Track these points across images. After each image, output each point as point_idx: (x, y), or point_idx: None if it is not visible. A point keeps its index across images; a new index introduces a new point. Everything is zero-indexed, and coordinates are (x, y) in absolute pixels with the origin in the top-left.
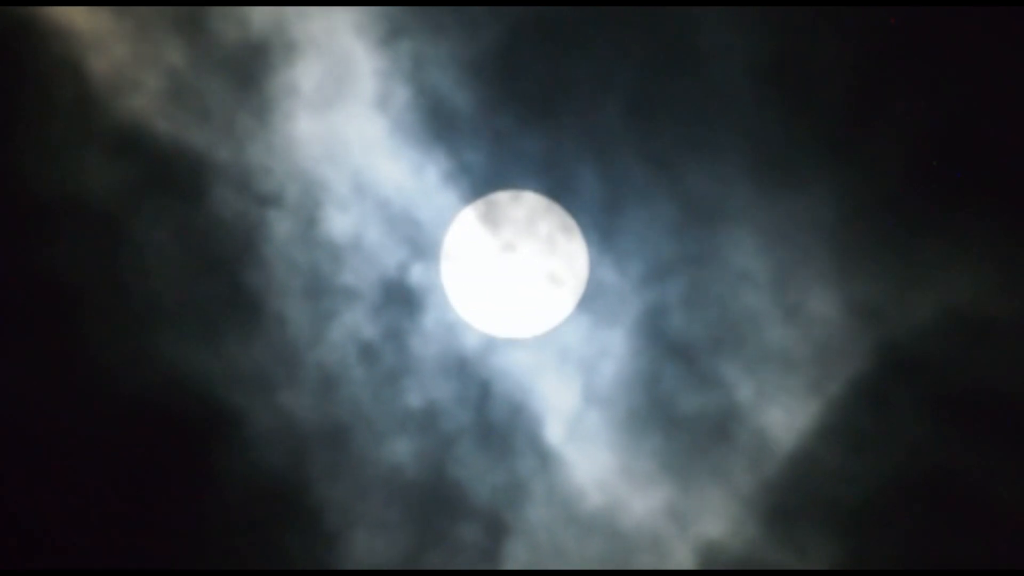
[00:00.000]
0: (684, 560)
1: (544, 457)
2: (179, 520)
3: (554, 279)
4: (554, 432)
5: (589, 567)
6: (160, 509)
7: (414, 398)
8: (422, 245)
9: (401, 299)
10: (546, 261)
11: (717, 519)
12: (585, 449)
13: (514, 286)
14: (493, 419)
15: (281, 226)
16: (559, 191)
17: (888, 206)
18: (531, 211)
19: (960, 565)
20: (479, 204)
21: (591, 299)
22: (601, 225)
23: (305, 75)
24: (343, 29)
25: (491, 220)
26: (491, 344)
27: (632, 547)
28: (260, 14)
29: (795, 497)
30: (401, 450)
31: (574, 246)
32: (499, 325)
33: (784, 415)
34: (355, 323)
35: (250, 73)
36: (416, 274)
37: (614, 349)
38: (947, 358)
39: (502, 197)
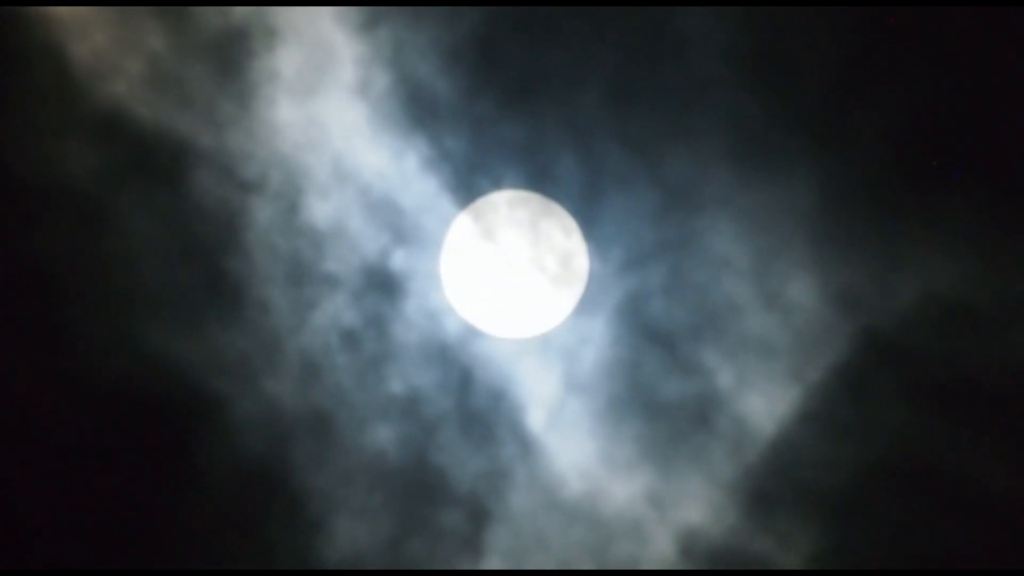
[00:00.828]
0: (664, 546)
1: (525, 444)
2: (162, 506)
3: (555, 280)
4: (535, 419)
5: (570, 554)
6: (143, 495)
7: (396, 385)
8: (404, 231)
9: (383, 285)
10: (545, 261)
11: (697, 506)
12: (566, 436)
13: (515, 287)
14: (474, 406)
15: (263, 212)
16: (539, 177)
17: (868, 193)
18: (531, 212)
19: (941, 551)
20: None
21: (571, 287)
22: (581, 212)
23: (286, 61)
24: (323, 16)
25: (491, 221)
26: (473, 332)
27: (612, 533)
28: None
29: (775, 484)
30: (383, 437)
31: (574, 245)
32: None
33: (764, 402)
34: (337, 310)
35: (231, 59)
36: (398, 260)
37: (594, 336)
38: (927, 345)
39: (502, 197)
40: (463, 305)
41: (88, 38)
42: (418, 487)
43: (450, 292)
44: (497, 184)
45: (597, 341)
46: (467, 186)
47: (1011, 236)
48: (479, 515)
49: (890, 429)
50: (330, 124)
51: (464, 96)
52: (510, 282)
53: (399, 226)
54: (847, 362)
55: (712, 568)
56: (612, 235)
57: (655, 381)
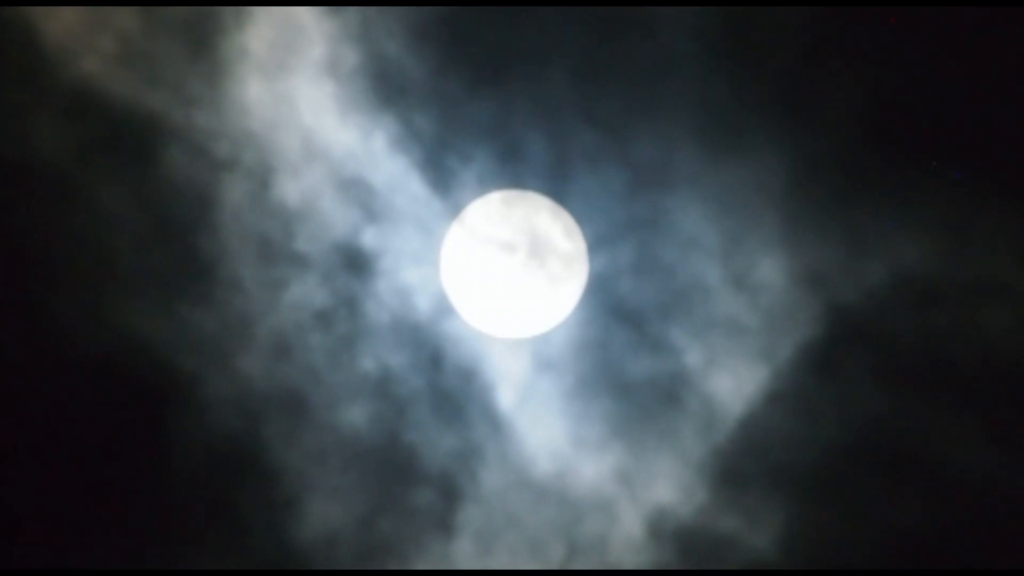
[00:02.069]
0: (634, 525)
1: (496, 424)
2: (134, 485)
3: (553, 279)
4: (505, 398)
5: (541, 532)
6: (115, 474)
7: (368, 363)
8: (374, 210)
9: (354, 264)
10: (545, 266)
11: (667, 484)
12: (536, 415)
13: (514, 289)
14: (445, 386)
15: (234, 190)
16: (508, 156)
17: (836, 173)
18: (530, 212)
19: (911, 530)
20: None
21: (532, 268)
22: (550, 190)
23: (255, 39)
24: None
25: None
26: (443, 310)
27: (582, 512)
28: None
29: (745, 463)
30: (355, 416)
31: (575, 246)
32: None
33: (733, 381)
34: (308, 288)
35: (201, 37)
36: (369, 239)
37: (563, 315)
38: (896, 324)
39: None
40: (463, 306)
41: (58, 15)
42: (390, 466)
43: (449, 291)
44: (467, 161)
45: (566, 319)
46: (436, 165)
47: (979, 215)
48: (450, 494)
49: (859, 408)
50: (299, 103)
51: (433, 75)
52: (508, 280)
53: (369, 205)
54: (816, 342)
55: (681, 545)
56: (581, 213)
57: (624, 360)
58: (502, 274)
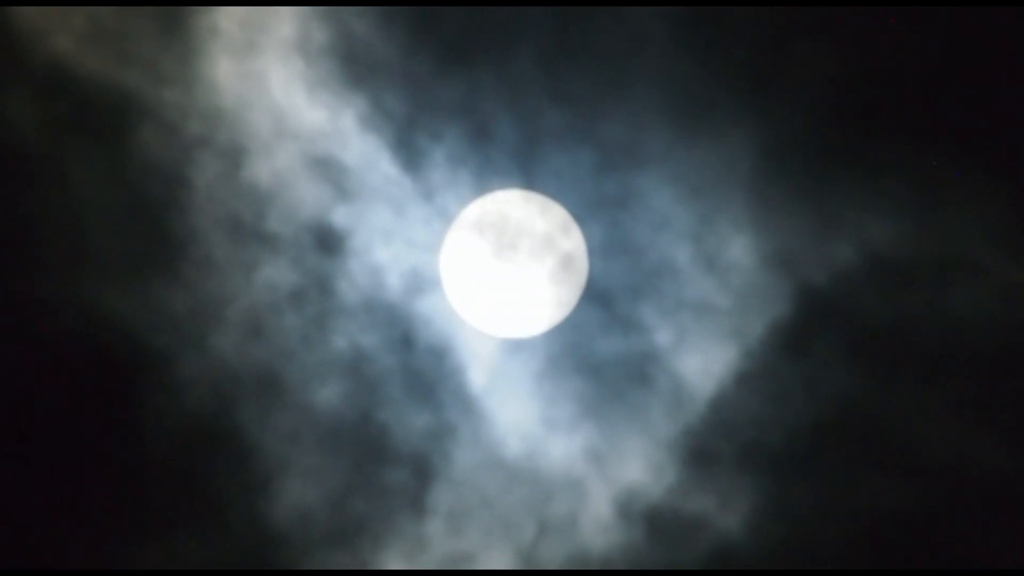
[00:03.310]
0: (603, 504)
1: (467, 404)
2: (107, 463)
3: (554, 279)
4: (476, 378)
5: (512, 512)
6: (88, 453)
7: (340, 342)
8: (345, 188)
9: (325, 243)
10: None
11: (637, 463)
12: (507, 395)
13: (514, 289)
14: (416, 366)
15: (205, 169)
16: (478, 135)
17: (805, 152)
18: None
19: (881, 508)
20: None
21: (502, 248)
22: (519, 170)
23: (225, 17)
24: None
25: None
26: (414, 289)
27: (553, 491)
28: None
29: (715, 442)
30: (328, 394)
31: (574, 245)
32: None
33: (703, 361)
34: (280, 267)
35: (172, 14)
36: (340, 218)
37: (533, 294)
38: (866, 303)
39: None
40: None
41: None
42: (362, 445)
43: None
44: (436, 140)
45: (536, 298)
46: (406, 144)
47: (946, 194)
48: (423, 474)
49: (829, 388)
50: (270, 81)
51: (402, 55)
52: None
53: (340, 183)
54: (786, 321)
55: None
56: (551, 192)
57: (594, 340)
58: (502, 272)
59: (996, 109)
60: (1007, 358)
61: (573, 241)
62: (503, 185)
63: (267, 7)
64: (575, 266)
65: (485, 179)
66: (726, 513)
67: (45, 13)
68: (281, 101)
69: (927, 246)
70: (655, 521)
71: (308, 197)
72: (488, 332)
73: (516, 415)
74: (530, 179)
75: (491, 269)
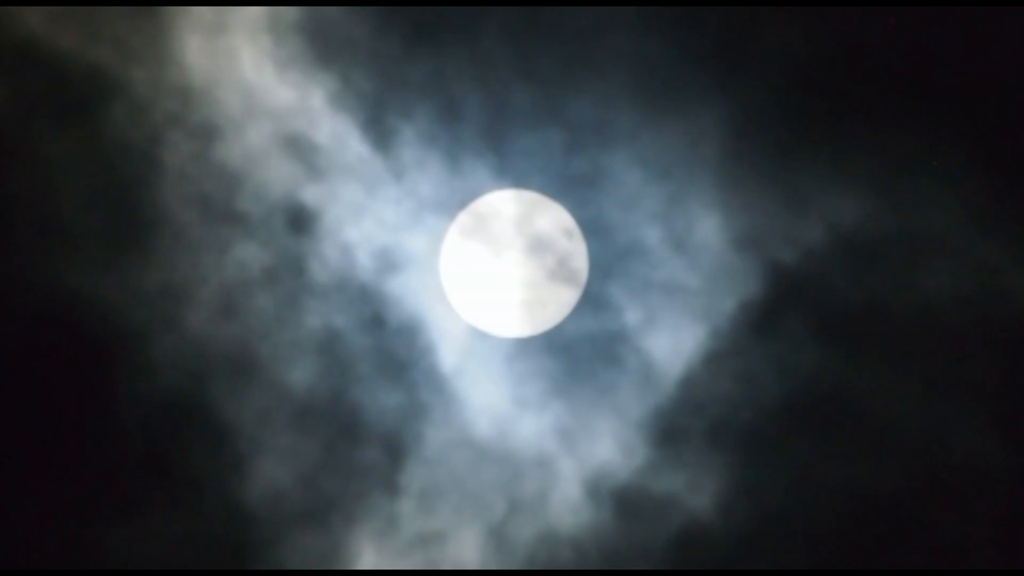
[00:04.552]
0: (573, 482)
1: (438, 383)
2: (79, 441)
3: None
4: (447, 357)
5: (483, 490)
6: (60, 431)
7: (312, 321)
8: (316, 167)
9: (296, 222)
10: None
11: (606, 442)
12: (477, 374)
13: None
14: (389, 344)
15: (177, 147)
16: (446, 115)
17: (772, 132)
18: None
19: (851, 485)
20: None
21: (472, 227)
22: (487, 149)
23: None
24: None
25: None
26: (386, 267)
27: (522, 470)
28: None
29: (684, 421)
30: (300, 374)
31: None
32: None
33: (673, 340)
34: (252, 246)
35: None
36: (311, 197)
37: (503, 274)
38: (834, 281)
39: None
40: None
41: None
42: (335, 425)
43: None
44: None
45: (506, 278)
46: (376, 122)
47: (915, 173)
48: (394, 453)
49: (799, 366)
50: (240, 60)
51: (370, 34)
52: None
53: (311, 162)
54: (755, 301)
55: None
56: (520, 172)
57: (564, 320)
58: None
59: (964, 87)
60: (977, 335)
61: (548, 221)
62: (473, 166)
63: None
64: (550, 248)
65: (455, 159)
66: (695, 492)
67: None
68: (251, 79)
69: (896, 224)
70: (624, 500)
71: (280, 175)
72: (459, 312)
73: (487, 395)
74: (500, 159)
75: (463, 250)
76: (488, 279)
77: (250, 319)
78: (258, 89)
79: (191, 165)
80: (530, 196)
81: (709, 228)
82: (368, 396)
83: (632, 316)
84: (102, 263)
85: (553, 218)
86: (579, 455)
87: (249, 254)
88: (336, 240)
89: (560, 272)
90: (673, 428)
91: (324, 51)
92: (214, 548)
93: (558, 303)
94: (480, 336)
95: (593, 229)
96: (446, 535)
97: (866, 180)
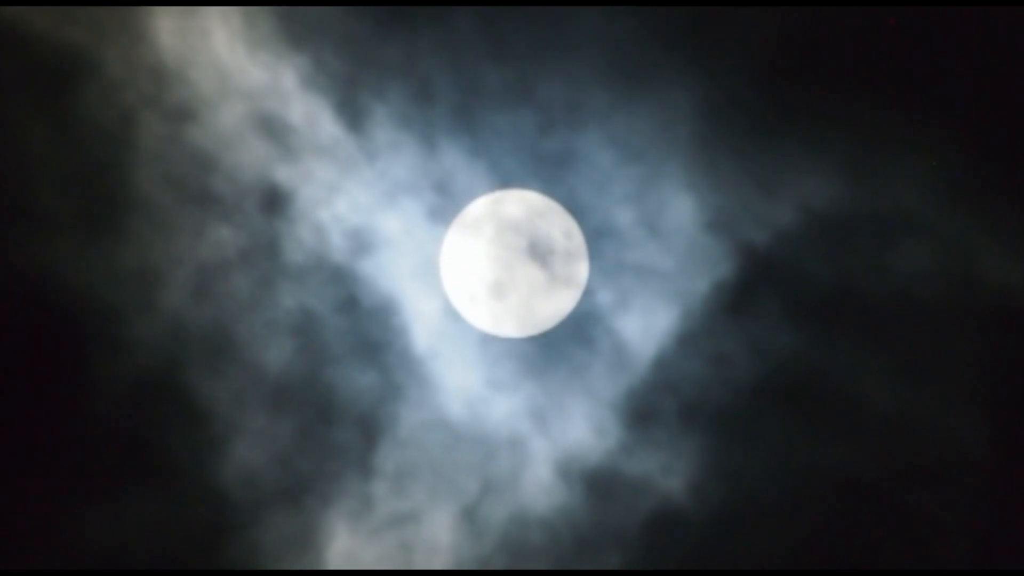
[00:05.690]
0: (545, 464)
1: (412, 364)
2: (55, 422)
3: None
4: (420, 339)
5: (456, 472)
6: (35, 412)
7: (287, 301)
8: (291, 148)
9: (270, 202)
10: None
11: (579, 424)
12: (450, 356)
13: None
14: (363, 325)
15: (152, 128)
16: (419, 96)
17: (742, 113)
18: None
19: (823, 467)
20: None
21: (446, 209)
22: (458, 130)
23: None
24: None
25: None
26: (360, 249)
27: (495, 451)
28: None
29: (657, 402)
30: (276, 355)
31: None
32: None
33: (645, 322)
34: (226, 227)
35: None
36: (284, 177)
37: (475, 256)
38: (806, 261)
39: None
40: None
41: None
42: (310, 405)
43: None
44: (378, 100)
45: (477, 260)
46: (348, 103)
47: (882, 154)
48: (369, 434)
49: (772, 347)
50: (213, 41)
51: (342, 13)
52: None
53: (285, 143)
54: (727, 282)
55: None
56: (491, 154)
57: (535, 301)
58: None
59: (936, 64)
60: (951, 316)
61: (518, 205)
62: (446, 147)
63: None
64: (521, 230)
65: (428, 140)
66: (668, 474)
67: None
68: (225, 61)
69: (868, 204)
70: (597, 481)
71: (253, 156)
72: (433, 294)
73: (460, 375)
74: (469, 139)
75: (436, 232)
76: (462, 261)
77: (225, 300)
78: (231, 70)
79: (165, 146)
80: (503, 179)
81: (681, 209)
82: (343, 377)
83: (605, 297)
84: (77, 244)
85: (526, 200)
86: (552, 436)
87: (223, 235)
88: (310, 221)
89: (533, 254)
90: (646, 409)
91: (296, 32)
92: (189, 529)
93: (530, 285)
94: (453, 317)
95: (564, 208)
96: (420, 515)
97: (839, 160)
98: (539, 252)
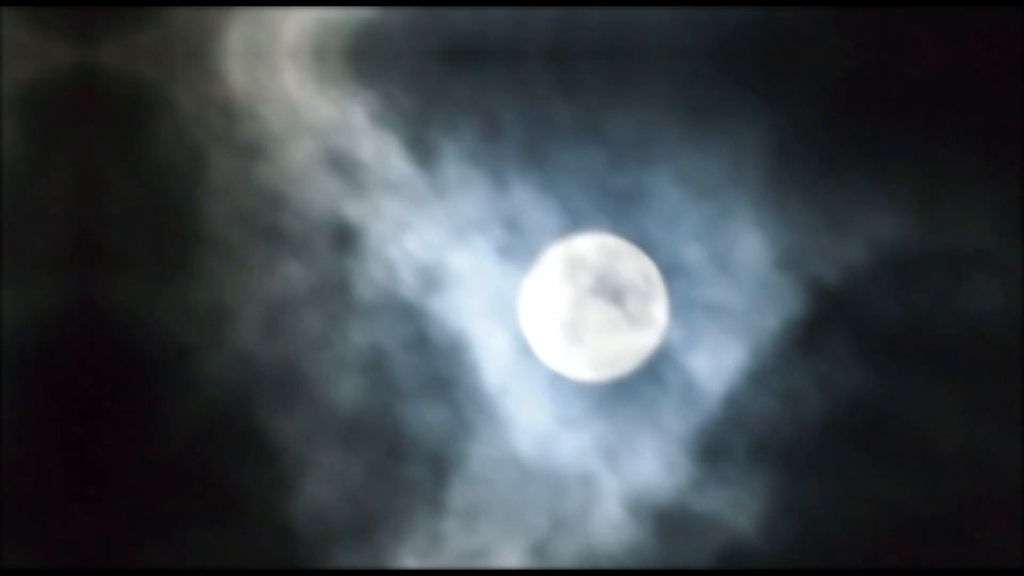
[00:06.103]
0: (614, 501)
1: (482, 401)
2: (125, 459)
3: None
4: (491, 375)
5: (525, 509)
6: (106, 449)
7: (357, 338)
8: (360, 184)
9: (341, 240)
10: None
11: (648, 461)
12: (521, 391)
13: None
14: (433, 363)
15: (222, 164)
16: (487, 132)
17: (812, 149)
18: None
19: (896, 506)
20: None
21: (516, 246)
22: (528, 167)
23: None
24: None
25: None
26: (430, 286)
27: (564, 488)
28: None
29: (727, 439)
30: (347, 392)
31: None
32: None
33: (714, 359)
34: (296, 264)
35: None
36: (354, 214)
37: (542, 292)
38: (877, 299)
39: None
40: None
41: None
42: (380, 442)
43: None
44: (448, 136)
45: (545, 297)
46: (418, 139)
47: (953, 189)
48: (439, 471)
49: (842, 384)
50: (282, 77)
51: (410, 51)
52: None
53: (354, 179)
54: (797, 319)
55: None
56: (558, 193)
57: (603, 335)
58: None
59: (1008, 97)
60: (1021, 351)
61: (592, 244)
62: (516, 183)
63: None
64: (586, 266)
65: (498, 176)
66: (738, 511)
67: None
68: (294, 97)
69: (938, 241)
70: (666, 518)
71: (323, 193)
72: (504, 331)
73: (530, 413)
74: (543, 177)
75: (506, 270)
76: (534, 299)
77: (295, 337)
78: (301, 106)
79: (235, 183)
80: (573, 216)
81: (751, 247)
82: (413, 414)
83: (675, 334)
84: (148, 281)
85: (600, 240)
86: (622, 473)
87: (293, 272)
88: (380, 258)
89: (607, 294)
90: (716, 447)
91: (365, 68)
92: (259, 566)
93: (604, 325)
94: (525, 354)
95: (640, 250)
96: (489, 552)
97: (908, 196)
98: (614, 292)
